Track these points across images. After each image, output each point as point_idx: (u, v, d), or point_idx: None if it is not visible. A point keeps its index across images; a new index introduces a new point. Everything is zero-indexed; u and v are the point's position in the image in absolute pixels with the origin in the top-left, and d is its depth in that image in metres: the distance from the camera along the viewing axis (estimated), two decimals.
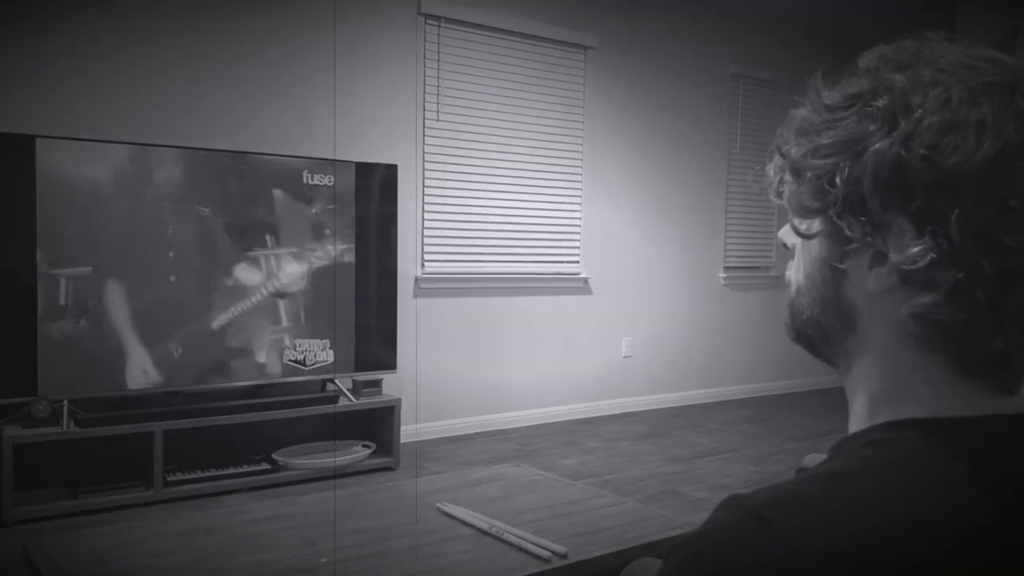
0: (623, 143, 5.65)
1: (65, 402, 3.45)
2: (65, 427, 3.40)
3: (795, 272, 0.66)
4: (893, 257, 0.56)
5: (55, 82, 3.73)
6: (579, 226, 5.48)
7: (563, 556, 1.85)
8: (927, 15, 5.53)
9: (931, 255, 0.53)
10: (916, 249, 0.54)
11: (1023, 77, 0.56)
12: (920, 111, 0.54)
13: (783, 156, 0.63)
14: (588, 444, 4.79)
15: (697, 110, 6.04)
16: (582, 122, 5.43)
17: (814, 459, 2.22)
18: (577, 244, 5.48)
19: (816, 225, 0.61)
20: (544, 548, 1.86)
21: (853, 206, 0.57)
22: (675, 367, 5.99)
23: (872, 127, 0.56)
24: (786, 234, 0.67)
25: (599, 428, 5.20)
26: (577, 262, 5.48)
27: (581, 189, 5.46)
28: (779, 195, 0.65)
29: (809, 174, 0.59)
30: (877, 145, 0.55)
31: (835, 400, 6.09)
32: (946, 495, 0.53)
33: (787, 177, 0.63)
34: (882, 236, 0.56)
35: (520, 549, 1.88)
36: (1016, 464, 0.56)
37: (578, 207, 5.46)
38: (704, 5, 5.96)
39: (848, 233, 0.58)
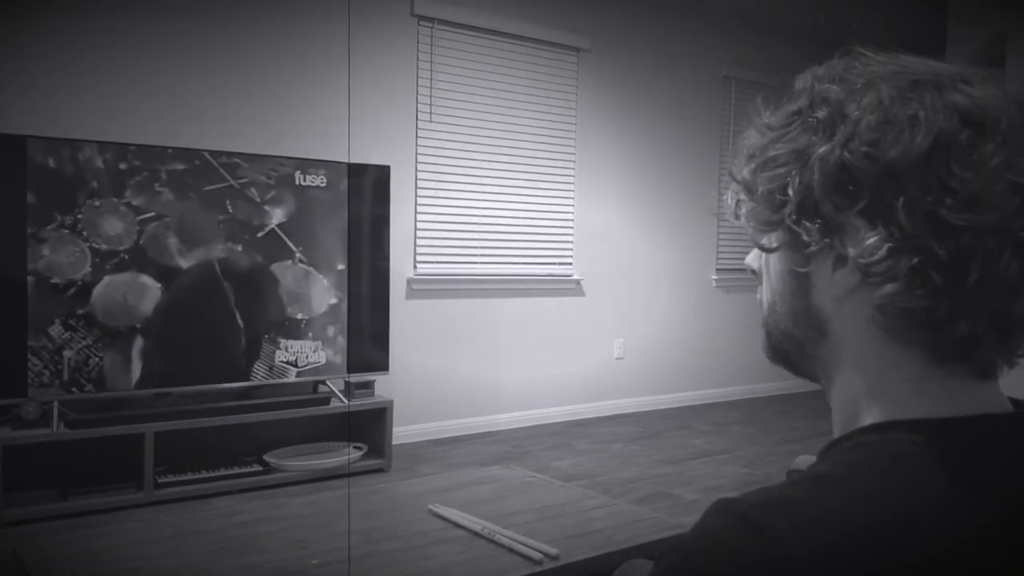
0: (616, 145, 5.66)
1: (55, 403, 3.43)
2: (55, 428, 3.39)
3: (765, 293, 0.69)
4: (851, 253, 0.58)
5: (47, 82, 3.72)
6: (572, 228, 5.48)
7: (554, 558, 1.85)
8: (918, 18, 5.56)
9: (886, 245, 0.56)
10: (871, 241, 0.56)
11: (946, 75, 0.59)
12: (857, 113, 0.58)
13: (735, 179, 0.66)
14: (580, 446, 4.79)
15: (689, 112, 6.06)
16: (575, 124, 5.44)
17: (805, 461, 2.23)
18: (570, 246, 5.48)
19: (776, 238, 0.63)
20: (535, 550, 1.86)
21: (807, 212, 0.59)
22: (667, 369, 6.00)
23: (815, 137, 0.59)
24: (752, 259, 0.70)
25: (591, 430, 5.20)
26: (570, 264, 5.49)
27: (574, 191, 5.46)
28: (738, 216, 0.67)
29: (761, 188, 0.62)
30: (821, 150, 0.58)
31: (826, 402, 6.08)
32: (933, 496, 0.53)
33: (743, 197, 0.65)
34: (839, 238, 0.58)
35: (511, 551, 1.88)
36: (1001, 464, 0.56)
37: (571, 209, 5.46)
38: (696, 8, 5.97)
39: (806, 238, 0.60)
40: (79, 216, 3.46)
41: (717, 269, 6.29)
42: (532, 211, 5.28)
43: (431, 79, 4.81)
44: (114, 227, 3.54)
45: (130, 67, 3.92)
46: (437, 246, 4.90)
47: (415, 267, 4.81)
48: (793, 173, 0.60)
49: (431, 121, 4.83)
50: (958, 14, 4.72)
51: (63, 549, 1.93)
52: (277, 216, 3.94)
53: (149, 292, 3.64)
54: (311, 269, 4.04)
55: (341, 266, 4.13)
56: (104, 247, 3.52)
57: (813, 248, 0.60)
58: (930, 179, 0.55)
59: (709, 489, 3.95)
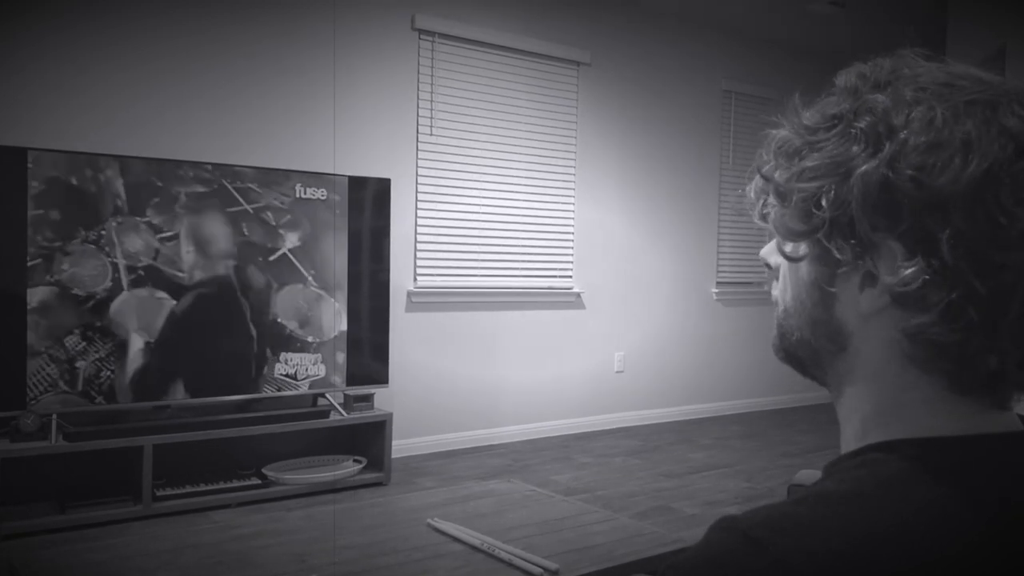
0: (616, 158, 5.67)
1: (54, 416, 3.42)
2: (53, 441, 3.38)
3: (782, 293, 0.66)
4: (885, 279, 0.55)
5: (47, 94, 3.73)
6: (572, 241, 5.48)
7: (554, 572, 1.84)
8: (917, 32, 5.58)
9: (924, 276, 0.53)
10: (909, 271, 0.53)
11: (1003, 94, 0.55)
12: (904, 132, 0.54)
13: (765, 179, 0.62)
14: (580, 459, 4.77)
15: (689, 126, 6.07)
16: (575, 138, 5.45)
17: (807, 475, 2.22)
18: (570, 259, 5.48)
19: (803, 248, 0.60)
20: (535, 564, 1.85)
21: (841, 228, 0.56)
22: (668, 382, 5.99)
23: (856, 148, 0.56)
24: (769, 253, 0.67)
25: (591, 443, 5.19)
26: (570, 277, 5.49)
27: (574, 204, 5.47)
28: (763, 218, 0.64)
29: (795, 197, 0.59)
30: (864, 167, 0.55)
31: (828, 416, 6.09)
32: (938, 515, 0.52)
33: (771, 200, 0.62)
34: (872, 257, 0.56)
35: (511, 565, 1.87)
36: (1008, 483, 0.55)
37: (571, 222, 5.47)
38: (696, 22, 5.99)
39: (837, 256, 0.57)
40: (85, 228, 3.46)
41: (717, 282, 6.29)
42: (532, 224, 5.28)
43: (432, 93, 4.82)
44: (118, 239, 3.55)
45: (131, 80, 3.93)
46: (437, 259, 4.90)
47: (415, 280, 4.80)
48: (829, 187, 0.56)
49: (432, 134, 4.84)
50: (956, 29, 4.74)
51: (60, 563, 1.92)
52: (277, 229, 3.94)
53: (145, 304, 3.64)
54: (310, 282, 4.04)
55: (341, 279, 4.13)
56: (104, 259, 3.52)
57: (844, 268, 0.57)
58: (978, 211, 0.52)
59: (710, 503, 3.93)
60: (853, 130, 0.56)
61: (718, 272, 6.30)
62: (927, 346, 0.55)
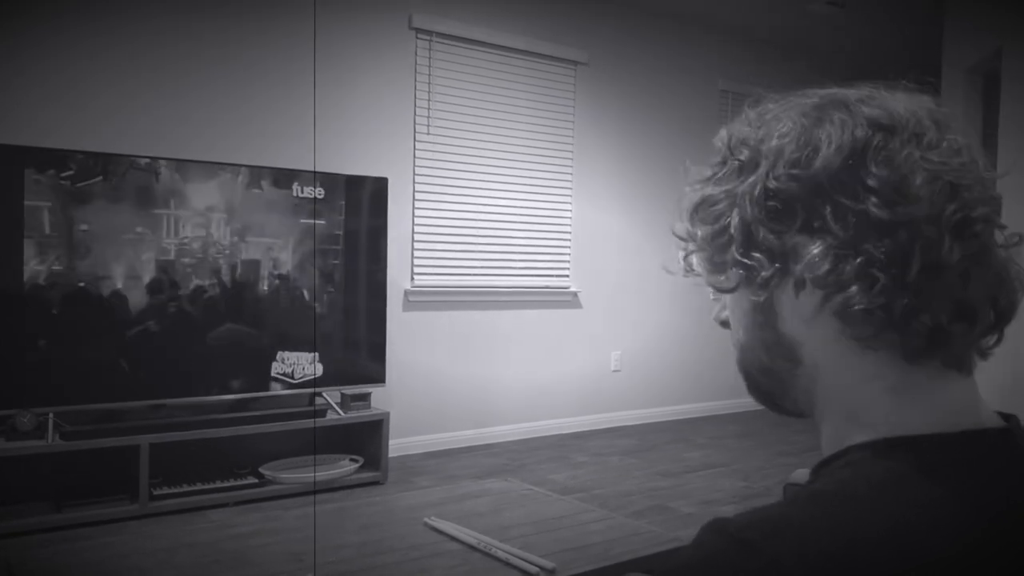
0: (613, 158, 5.67)
1: (50, 414, 3.42)
2: (50, 440, 3.37)
3: (734, 335, 0.70)
4: (805, 274, 0.59)
5: (43, 94, 3.72)
6: (569, 240, 5.48)
7: (551, 571, 1.84)
8: (914, 33, 5.59)
9: (830, 254, 0.57)
10: (815, 252, 0.58)
11: (851, 95, 0.62)
12: (775, 142, 0.61)
13: (680, 237, 0.69)
14: (577, 458, 4.78)
15: (687, 126, 6.07)
16: (572, 137, 5.45)
17: (802, 474, 2.22)
18: (567, 258, 5.48)
19: (731, 276, 0.65)
20: (532, 563, 1.85)
21: (752, 243, 0.61)
22: (664, 381, 6.00)
23: (741, 176, 0.62)
24: (718, 313, 0.73)
25: (588, 442, 5.19)
26: (567, 276, 5.49)
27: (571, 203, 5.47)
28: (690, 269, 0.70)
29: (702, 233, 0.65)
30: (748, 183, 0.61)
31: None
32: (925, 513, 0.53)
33: (690, 248, 0.68)
34: (790, 260, 0.60)
35: (508, 564, 1.87)
36: (993, 479, 0.56)
37: (568, 221, 5.47)
38: (694, 22, 6.00)
39: (757, 268, 0.61)
40: (84, 229, 3.46)
41: None
42: (529, 223, 5.28)
43: (429, 92, 4.82)
44: (114, 239, 3.54)
45: (127, 79, 3.93)
46: (435, 258, 4.90)
47: (412, 279, 4.80)
48: (730, 212, 0.62)
49: (429, 133, 4.83)
50: (953, 29, 4.75)
51: (57, 561, 1.92)
52: (274, 228, 3.94)
53: (141, 303, 3.64)
54: (308, 280, 4.04)
55: (338, 278, 4.13)
56: (101, 257, 3.52)
57: (766, 274, 0.61)
58: (852, 183, 0.57)
59: (706, 502, 3.94)
60: (735, 162, 0.63)
61: None
62: (861, 321, 0.58)
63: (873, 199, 0.56)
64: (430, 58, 4.82)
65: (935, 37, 4.86)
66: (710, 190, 0.64)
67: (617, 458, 4.81)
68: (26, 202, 3.36)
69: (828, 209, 0.58)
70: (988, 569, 0.53)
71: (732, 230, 0.62)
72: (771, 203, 0.60)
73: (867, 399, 0.60)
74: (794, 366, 0.64)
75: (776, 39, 6.41)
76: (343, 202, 4.14)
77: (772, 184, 0.60)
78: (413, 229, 4.79)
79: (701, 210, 0.65)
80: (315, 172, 4.11)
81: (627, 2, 5.63)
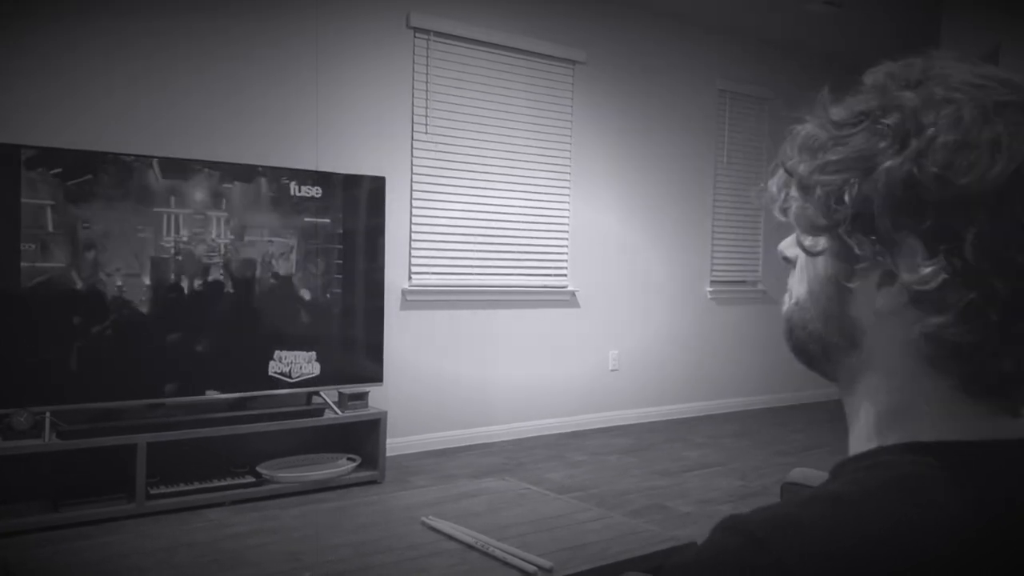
0: (611, 157, 5.67)
1: (47, 414, 3.41)
2: (47, 439, 3.37)
3: (797, 284, 0.65)
4: (904, 277, 0.54)
5: (40, 92, 3.71)
6: (567, 239, 5.48)
7: (548, 570, 1.84)
8: (912, 31, 5.59)
9: (943, 275, 0.52)
10: (929, 270, 0.53)
11: None
12: (932, 129, 0.53)
13: (788, 172, 0.61)
14: (574, 458, 4.78)
15: (685, 125, 6.08)
16: (570, 136, 5.45)
17: (800, 474, 2.22)
18: (565, 257, 5.49)
19: (823, 242, 0.60)
20: (529, 562, 1.85)
21: (863, 224, 0.56)
22: (662, 381, 6.00)
23: (882, 144, 0.55)
24: (787, 247, 0.66)
25: (585, 441, 5.19)
26: (565, 275, 5.49)
27: (569, 203, 5.47)
28: (784, 212, 0.63)
29: (817, 191, 0.58)
30: (888, 163, 0.54)
31: (821, 414, 6.11)
32: (947, 520, 0.52)
33: (793, 193, 0.61)
34: (892, 255, 0.55)
35: (505, 563, 1.87)
36: (1017, 489, 0.55)
37: (566, 220, 5.47)
38: (692, 21, 6.00)
39: (857, 252, 0.57)
40: (79, 226, 3.45)
41: (712, 281, 6.30)
42: (527, 222, 5.28)
43: (427, 91, 4.82)
44: (114, 237, 3.54)
45: (126, 79, 3.92)
46: (432, 257, 4.90)
47: (410, 278, 4.80)
48: (853, 181, 0.56)
49: (427, 132, 4.83)
50: (951, 27, 4.75)
51: (54, 561, 1.91)
52: (272, 228, 3.93)
53: (139, 302, 3.63)
54: (305, 280, 4.04)
55: (336, 277, 4.13)
56: (98, 256, 3.51)
57: (863, 264, 0.57)
58: (1003, 212, 0.51)
59: (703, 501, 3.94)
60: (880, 126, 0.56)
61: (712, 271, 6.31)
62: (942, 346, 0.55)
63: (1021, 241, 0.51)
64: (428, 57, 4.82)
65: (933, 35, 4.86)
66: (840, 148, 0.57)
67: (614, 457, 4.82)
68: (23, 200, 3.35)
69: (969, 232, 0.52)
70: (1001, 571, 0.52)
71: (847, 199, 0.56)
72: (905, 194, 0.54)
73: (911, 406, 0.58)
74: (849, 347, 0.61)
75: (774, 38, 6.41)
76: (341, 201, 4.13)
77: (915, 173, 0.53)
78: (411, 228, 4.79)
79: (826, 166, 0.57)
80: (330, 172, 4.10)
81: (625, 1, 5.63)
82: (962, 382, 0.56)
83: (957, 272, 0.52)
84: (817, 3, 5.54)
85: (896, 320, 0.57)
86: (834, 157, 0.57)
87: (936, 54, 0.59)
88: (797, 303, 0.64)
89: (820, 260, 0.61)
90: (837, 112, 0.59)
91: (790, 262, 0.66)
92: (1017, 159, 0.52)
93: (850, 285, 0.59)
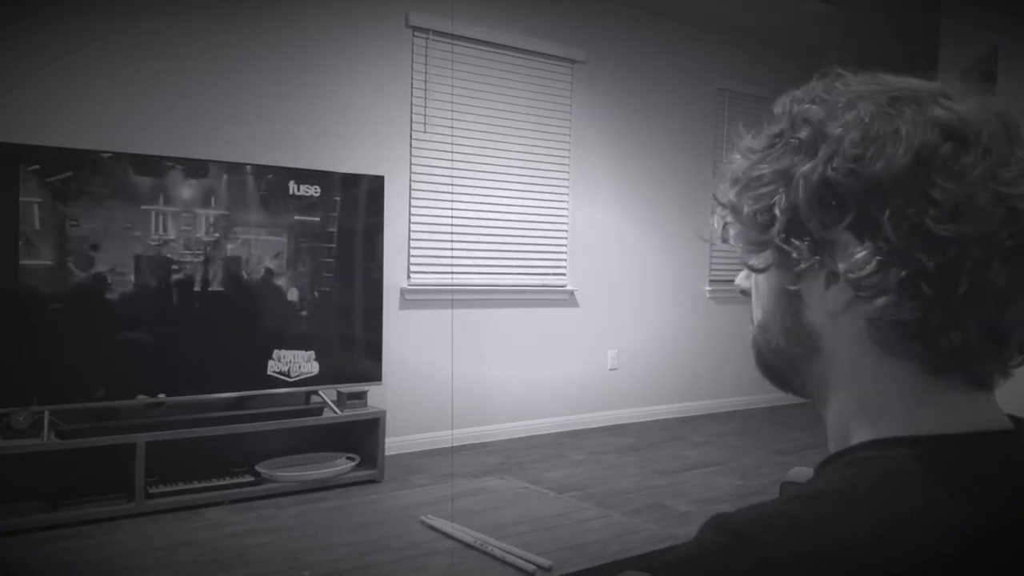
0: (610, 156, 5.67)
1: (46, 413, 3.41)
2: (46, 438, 3.37)
3: (755, 309, 0.69)
4: (842, 268, 0.58)
5: (40, 92, 3.71)
6: (565, 238, 5.48)
7: (547, 570, 1.84)
8: (911, 31, 5.59)
9: (875, 259, 0.56)
10: (860, 255, 0.56)
11: (924, 91, 0.59)
12: (840, 130, 0.58)
13: (721, 203, 0.66)
14: (573, 457, 4.78)
15: (683, 124, 6.08)
16: (569, 135, 5.45)
17: (799, 473, 2.23)
18: (563, 256, 5.49)
19: (765, 257, 0.63)
20: (528, 561, 1.85)
21: (795, 230, 0.59)
22: (661, 380, 6.00)
23: (797, 157, 0.60)
24: (742, 279, 0.70)
25: (584, 441, 5.19)
26: (564, 274, 5.49)
27: (568, 202, 5.47)
28: (725, 239, 0.67)
29: (747, 209, 0.62)
30: (804, 168, 0.59)
31: (821, 414, 6.09)
32: (930, 513, 0.53)
33: (729, 219, 0.65)
34: (829, 254, 0.59)
35: (504, 562, 1.87)
36: (999, 481, 0.56)
37: (564, 219, 5.47)
38: (691, 20, 6.00)
39: (795, 256, 0.60)
40: (77, 225, 3.45)
41: (710, 280, 6.30)
42: (526, 221, 5.28)
43: (426, 90, 4.82)
44: (110, 237, 3.54)
45: (124, 78, 3.92)
46: (431, 256, 4.90)
47: (409, 277, 4.80)
48: (779, 192, 0.60)
49: (425, 132, 4.83)
50: (950, 30, 4.75)
51: (53, 560, 1.91)
52: (270, 227, 3.93)
53: (138, 301, 3.63)
54: (304, 279, 4.04)
55: (334, 276, 4.13)
56: (97, 255, 3.51)
57: (803, 266, 0.60)
58: (914, 192, 0.55)
59: (703, 501, 3.94)
60: (793, 140, 0.61)
61: (711, 270, 6.32)
62: (892, 329, 0.57)
63: (933, 212, 0.54)
64: (427, 56, 4.82)
65: (932, 35, 4.87)
66: (762, 166, 0.62)
67: (614, 456, 4.82)
68: (21, 198, 3.35)
69: (885, 213, 0.55)
70: (986, 568, 0.53)
71: (777, 211, 0.60)
72: (825, 193, 0.58)
73: (880, 399, 0.60)
74: (811, 355, 0.64)
75: (773, 38, 6.41)
76: (339, 200, 4.13)
77: (830, 174, 0.57)
78: (409, 227, 4.79)
79: (749, 185, 0.62)
80: (328, 172, 4.10)
81: (625, 1, 5.62)
82: (920, 363, 0.58)
83: (885, 253, 0.56)
84: (814, 2, 5.54)
85: (848, 317, 0.60)
86: (756, 174, 0.62)
87: (837, 71, 0.65)
88: (759, 326, 0.69)
89: (767, 276, 0.65)
90: (753, 140, 0.65)
91: (747, 294, 0.70)
92: (918, 141, 0.56)
93: (796, 288, 0.62)
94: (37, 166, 3.38)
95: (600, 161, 5.62)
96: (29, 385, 3.38)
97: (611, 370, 5.72)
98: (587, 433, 5.41)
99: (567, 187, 5.46)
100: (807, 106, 0.62)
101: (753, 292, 0.69)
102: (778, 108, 0.65)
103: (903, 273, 0.55)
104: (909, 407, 0.59)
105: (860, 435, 0.61)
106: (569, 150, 5.45)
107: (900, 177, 0.55)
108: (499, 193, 5.15)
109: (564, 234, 5.48)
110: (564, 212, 5.46)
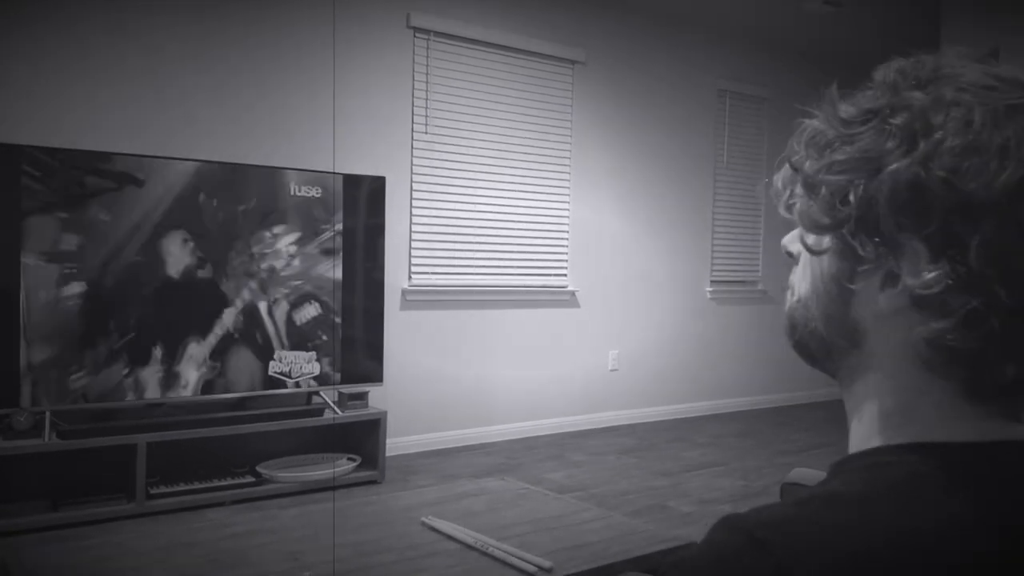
0: (611, 157, 5.67)
1: (47, 413, 3.41)
2: (47, 439, 3.37)
3: (799, 281, 0.64)
4: (907, 280, 0.54)
5: (42, 91, 3.71)
6: (567, 239, 5.48)
7: (548, 570, 1.84)
8: (912, 32, 5.59)
9: (947, 281, 0.52)
10: (932, 275, 0.52)
11: None
12: (940, 132, 0.53)
13: (794, 169, 0.61)
14: (574, 458, 4.78)
15: (684, 125, 6.07)
16: (570, 136, 5.45)
17: (800, 474, 2.22)
18: (565, 257, 5.48)
19: (826, 241, 0.59)
20: (529, 562, 1.85)
21: (867, 225, 0.55)
22: (662, 381, 6.00)
23: (889, 145, 0.54)
24: (791, 241, 0.65)
25: (585, 441, 5.19)
26: (565, 275, 5.49)
27: (568, 202, 5.47)
28: (789, 208, 0.62)
29: (823, 190, 0.57)
30: (895, 165, 0.53)
31: (823, 414, 6.11)
32: (947, 521, 0.52)
33: (798, 191, 0.60)
34: (895, 257, 0.54)
35: (505, 563, 1.87)
36: (1019, 492, 0.54)
37: (566, 220, 5.47)
38: (692, 21, 5.99)
39: (861, 252, 0.56)
40: (80, 227, 3.45)
41: (712, 281, 6.30)
42: (527, 222, 5.28)
43: (427, 91, 4.82)
44: (110, 238, 3.54)
45: (124, 77, 3.92)
46: (432, 257, 4.90)
47: (410, 278, 4.80)
48: (858, 181, 0.55)
49: (427, 132, 4.83)
50: (950, 28, 4.75)
51: (53, 561, 1.91)
52: (272, 227, 3.93)
53: (138, 301, 3.63)
54: (305, 280, 4.03)
55: (336, 277, 4.12)
56: (97, 255, 3.51)
57: (866, 266, 0.56)
58: (1010, 220, 0.51)
59: (704, 501, 3.94)
60: (888, 126, 0.55)
61: (712, 271, 6.31)
62: (942, 352, 0.54)
63: None
64: (428, 57, 4.82)
65: (932, 35, 4.86)
66: (847, 148, 0.56)
67: (614, 457, 4.81)
68: (21, 200, 3.35)
69: (974, 238, 0.51)
70: None
71: (852, 200, 0.55)
72: (911, 197, 0.53)
73: (910, 409, 0.58)
74: (849, 347, 0.60)
75: (773, 38, 6.41)
76: (341, 201, 4.13)
77: (923, 178, 0.52)
78: (411, 228, 4.79)
79: (832, 166, 0.56)
80: (330, 173, 4.10)
81: (625, 1, 5.62)
82: (962, 387, 0.55)
83: (960, 278, 0.51)
84: (816, 3, 5.54)
85: (897, 322, 0.56)
86: (840, 157, 0.56)
87: (948, 52, 0.58)
88: (799, 300, 0.63)
89: (823, 259, 0.60)
90: (845, 109, 0.58)
91: (793, 257, 0.65)
92: (1023, 167, 0.51)
93: (851, 286, 0.58)
94: (43, 165, 3.38)
95: (601, 161, 5.62)
96: (29, 385, 3.38)
97: (612, 371, 5.72)
98: (588, 434, 5.40)
99: (568, 188, 5.46)
100: (911, 90, 0.55)
101: (801, 262, 0.64)
102: (879, 76, 0.58)
103: (974, 303, 0.51)
104: (939, 418, 0.57)
105: (884, 438, 0.58)
106: (570, 151, 5.45)
107: (998, 202, 0.51)
108: (500, 194, 5.14)
109: (565, 235, 5.47)
110: (565, 213, 5.46)
